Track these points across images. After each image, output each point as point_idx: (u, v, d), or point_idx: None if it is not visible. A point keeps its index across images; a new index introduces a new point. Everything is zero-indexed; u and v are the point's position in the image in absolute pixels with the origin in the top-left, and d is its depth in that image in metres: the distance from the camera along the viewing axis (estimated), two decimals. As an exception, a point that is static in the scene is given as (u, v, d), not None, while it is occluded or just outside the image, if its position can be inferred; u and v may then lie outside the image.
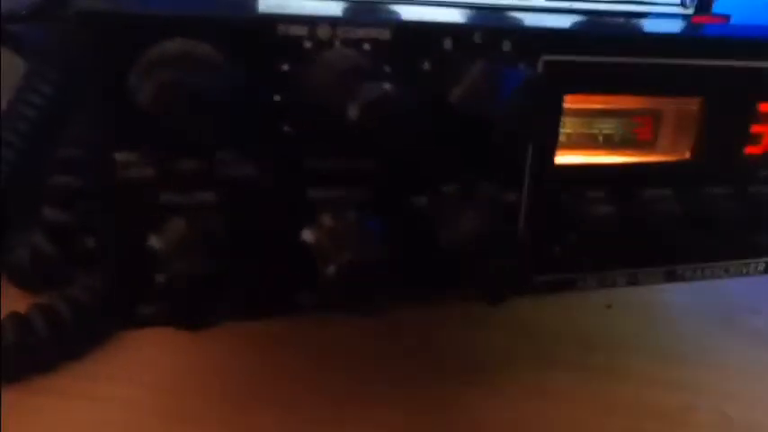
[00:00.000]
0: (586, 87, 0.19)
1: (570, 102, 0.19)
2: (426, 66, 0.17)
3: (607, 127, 0.20)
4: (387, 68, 0.16)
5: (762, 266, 0.23)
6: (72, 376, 0.25)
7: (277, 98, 0.16)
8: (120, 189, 0.15)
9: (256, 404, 0.24)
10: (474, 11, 0.31)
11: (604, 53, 0.18)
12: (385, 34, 0.16)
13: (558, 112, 0.18)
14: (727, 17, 0.51)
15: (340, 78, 0.15)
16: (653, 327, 0.31)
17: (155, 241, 0.15)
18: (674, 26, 0.23)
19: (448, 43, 0.17)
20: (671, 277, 0.22)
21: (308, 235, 0.16)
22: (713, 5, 0.51)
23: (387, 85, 0.14)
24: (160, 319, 0.15)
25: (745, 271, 0.23)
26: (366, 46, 0.16)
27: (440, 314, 0.29)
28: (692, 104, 0.21)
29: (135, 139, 0.15)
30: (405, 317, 0.29)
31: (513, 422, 0.23)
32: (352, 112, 0.14)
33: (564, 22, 0.21)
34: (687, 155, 0.21)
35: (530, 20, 0.21)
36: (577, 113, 0.20)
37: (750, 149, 0.21)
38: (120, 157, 0.15)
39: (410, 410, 0.23)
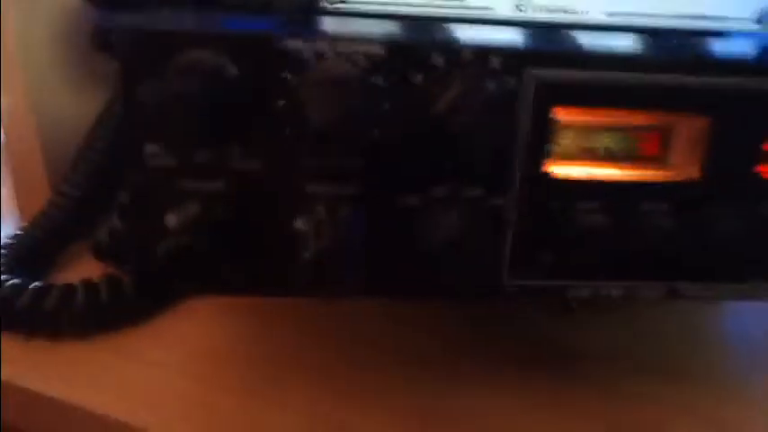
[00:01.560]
0: (578, 102, 0.20)
1: (562, 115, 0.20)
2: (418, 79, 0.19)
3: (608, 141, 0.21)
4: (380, 80, 0.18)
5: (780, 292, 0.23)
6: (127, 339, 0.28)
7: (281, 102, 0.18)
8: (149, 175, 0.18)
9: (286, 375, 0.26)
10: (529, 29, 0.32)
11: (597, 68, 0.19)
12: (379, 49, 0.18)
13: (545, 124, 0.20)
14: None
15: (324, 89, 0.17)
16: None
17: (170, 219, 0.18)
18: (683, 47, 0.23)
19: (438, 59, 0.18)
20: (673, 294, 0.22)
21: (299, 224, 0.19)
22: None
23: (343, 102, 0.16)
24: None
25: (757, 295, 0.23)
26: (361, 59, 0.18)
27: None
28: (701, 123, 0.21)
29: (160, 134, 0.18)
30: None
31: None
32: (316, 121, 0.16)
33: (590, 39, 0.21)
34: (696, 173, 0.21)
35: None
36: (573, 127, 0.20)
37: (762, 168, 0.21)
38: (149, 149, 0.18)
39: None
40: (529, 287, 0.22)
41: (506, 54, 0.19)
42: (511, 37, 0.20)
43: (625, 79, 0.19)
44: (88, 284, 0.28)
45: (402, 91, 0.19)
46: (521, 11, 0.36)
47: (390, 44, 0.18)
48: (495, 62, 0.19)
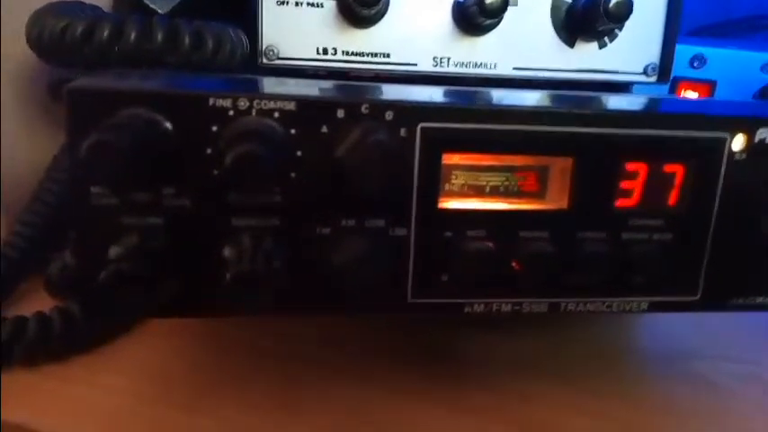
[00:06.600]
0: (463, 149, 0.24)
1: (450, 159, 0.24)
2: (324, 129, 0.22)
3: (493, 179, 0.25)
4: (292, 131, 0.22)
5: (645, 305, 0.27)
6: (78, 366, 0.31)
7: (209, 150, 0.22)
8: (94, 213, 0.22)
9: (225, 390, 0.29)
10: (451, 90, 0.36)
11: (474, 121, 0.23)
12: (291, 105, 0.22)
13: (435, 168, 0.23)
14: (713, 83, 0.54)
15: (247, 139, 0.20)
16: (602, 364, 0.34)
17: (112, 251, 0.21)
18: (539, 98, 0.27)
19: (341, 113, 0.22)
20: (555, 309, 0.26)
21: (227, 252, 0.22)
22: (704, 69, 0.55)
23: (254, 146, 0.19)
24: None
25: (627, 308, 0.26)
26: (276, 114, 0.22)
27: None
28: (567, 163, 0.25)
29: (103, 178, 0.21)
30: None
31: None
32: (227, 161, 0.19)
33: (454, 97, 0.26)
34: (565, 205, 0.25)
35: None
36: (461, 168, 0.24)
37: (621, 202, 0.25)
38: (94, 190, 0.21)
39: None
40: (430, 304, 0.25)
41: (398, 108, 0.23)
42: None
43: (500, 129, 0.24)
44: (40, 316, 0.31)
45: (311, 139, 0.22)
46: (441, 66, 0.41)
47: (300, 101, 0.22)
48: (389, 115, 0.23)
